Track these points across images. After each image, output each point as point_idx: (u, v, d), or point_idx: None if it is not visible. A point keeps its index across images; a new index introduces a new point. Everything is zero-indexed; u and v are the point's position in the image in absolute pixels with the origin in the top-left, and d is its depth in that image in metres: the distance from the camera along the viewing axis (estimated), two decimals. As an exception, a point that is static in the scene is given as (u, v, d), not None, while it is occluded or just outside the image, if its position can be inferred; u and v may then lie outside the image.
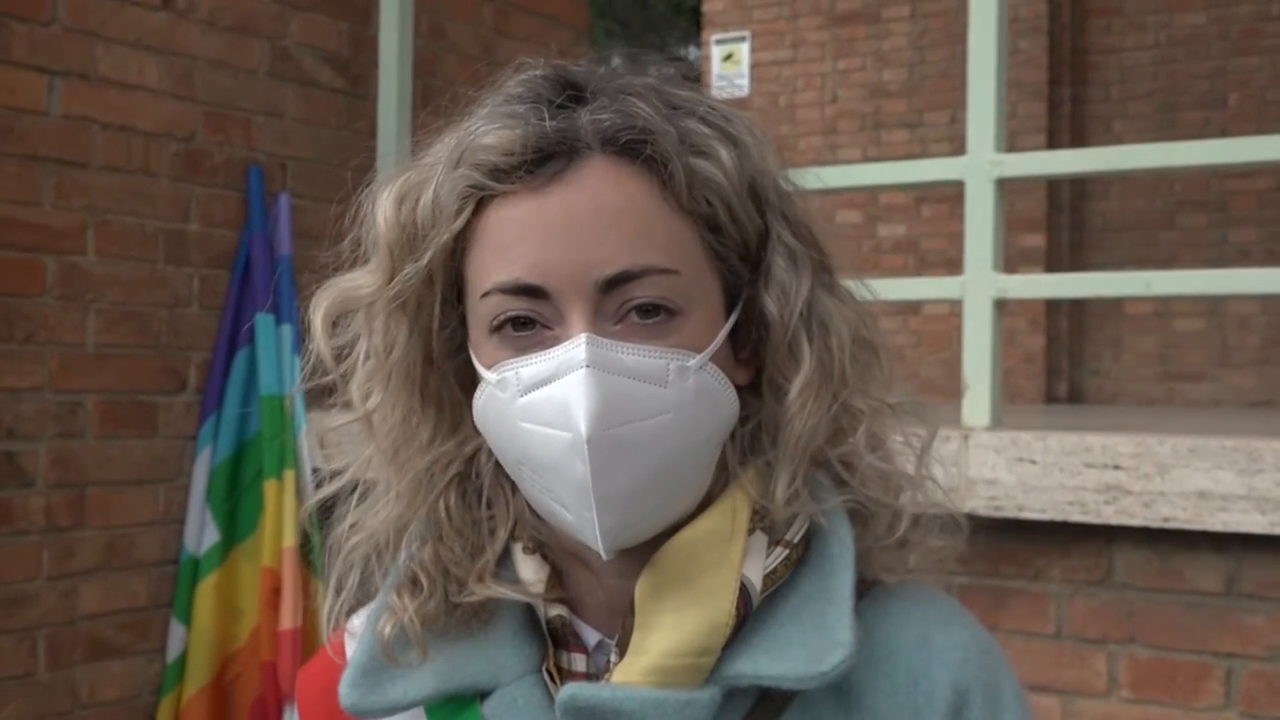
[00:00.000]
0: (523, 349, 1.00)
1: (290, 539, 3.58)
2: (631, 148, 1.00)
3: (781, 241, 1.06)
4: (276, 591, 3.57)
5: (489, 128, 1.02)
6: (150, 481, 3.57)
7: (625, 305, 0.99)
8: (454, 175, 1.02)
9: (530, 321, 1.00)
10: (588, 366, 0.96)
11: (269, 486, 3.62)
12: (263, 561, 3.60)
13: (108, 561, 3.47)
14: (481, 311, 1.02)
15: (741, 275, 1.06)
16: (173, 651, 3.58)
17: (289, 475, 3.62)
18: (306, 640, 3.53)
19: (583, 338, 0.97)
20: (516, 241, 1.00)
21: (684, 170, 1.01)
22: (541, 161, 1.00)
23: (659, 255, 0.99)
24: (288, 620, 3.53)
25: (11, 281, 3.27)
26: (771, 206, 1.06)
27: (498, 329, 1.01)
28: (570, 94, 1.03)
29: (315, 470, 3.60)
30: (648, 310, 0.99)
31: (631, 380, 0.97)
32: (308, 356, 1.11)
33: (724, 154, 1.02)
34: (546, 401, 0.98)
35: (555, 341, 0.99)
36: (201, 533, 3.62)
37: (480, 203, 1.02)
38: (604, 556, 0.99)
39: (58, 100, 3.36)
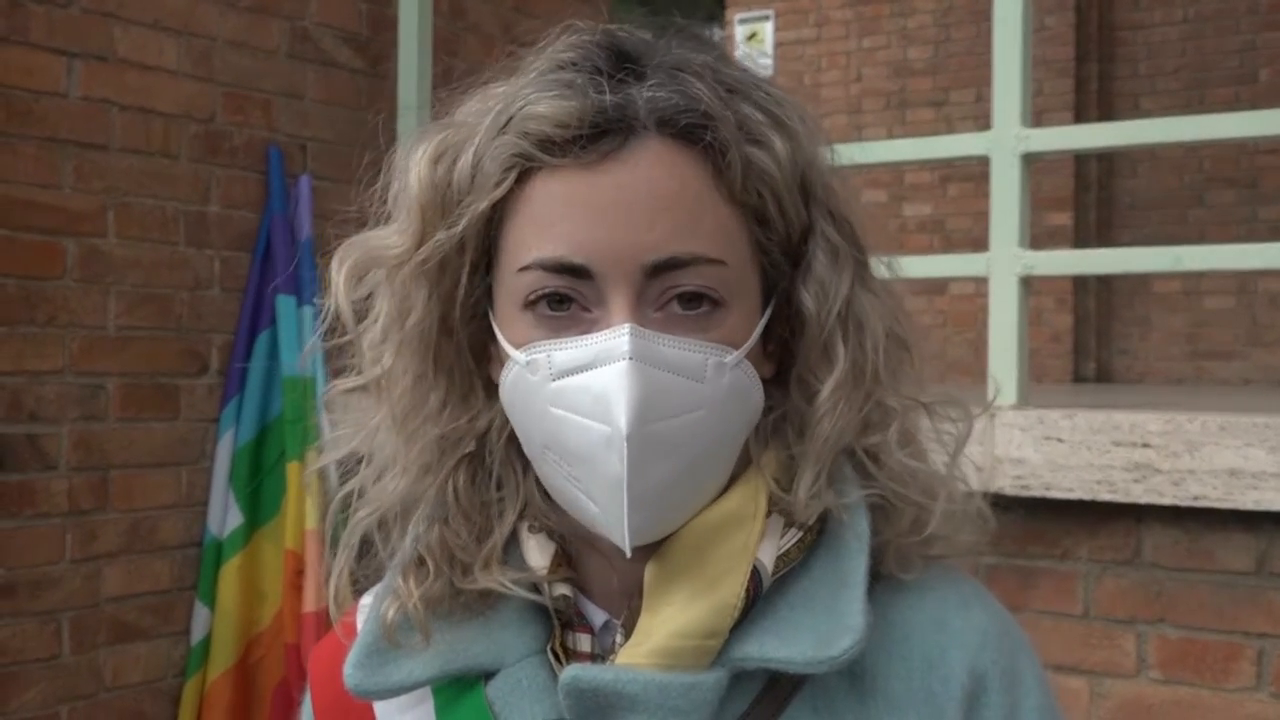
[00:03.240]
0: (557, 330, 0.97)
1: (313, 521, 3.58)
2: (690, 132, 0.97)
3: (825, 237, 1.02)
4: (300, 574, 3.57)
5: (542, 95, 0.97)
6: (173, 464, 3.57)
7: (669, 293, 0.96)
8: (499, 141, 0.98)
9: (567, 300, 0.96)
10: (631, 359, 0.93)
11: (291, 469, 3.62)
12: (286, 544, 3.60)
13: (131, 544, 3.47)
14: (515, 286, 0.98)
15: (781, 269, 1.02)
16: (197, 634, 3.58)
17: (312, 457, 3.62)
18: (330, 623, 3.52)
19: (626, 328, 0.93)
20: (563, 218, 0.96)
21: (741, 160, 0.97)
22: (595, 137, 0.96)
23: (708, 244, 0.96)
24: (311, 603, 3.53)
25: (32, 264, 3.26)
26: (817, 200, 1.02)
27: (532, 305, 0.97)
28: (626, 67, 0.99)
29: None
30: (692, 300, 0.96)
31: (670, 374, 0.94)
32: (325, 314, 1.07)
33: (778, 144, 0.99)
34: (582, 390, 0.94)
35: (593, 325, 0.96)
36: (224, 515, 3.62)
37: (524, 173, 0.98)
38: (628, 554, 0.97)
39: (77, 82, 3.35)
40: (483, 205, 0.98)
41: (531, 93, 0.98)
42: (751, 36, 9.57)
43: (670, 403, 0.94)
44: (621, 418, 0.92)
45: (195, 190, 3.61)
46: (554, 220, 0.96)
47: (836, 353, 1.02)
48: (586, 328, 0.96)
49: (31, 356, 3.26)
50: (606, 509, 0.96)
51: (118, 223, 3.43)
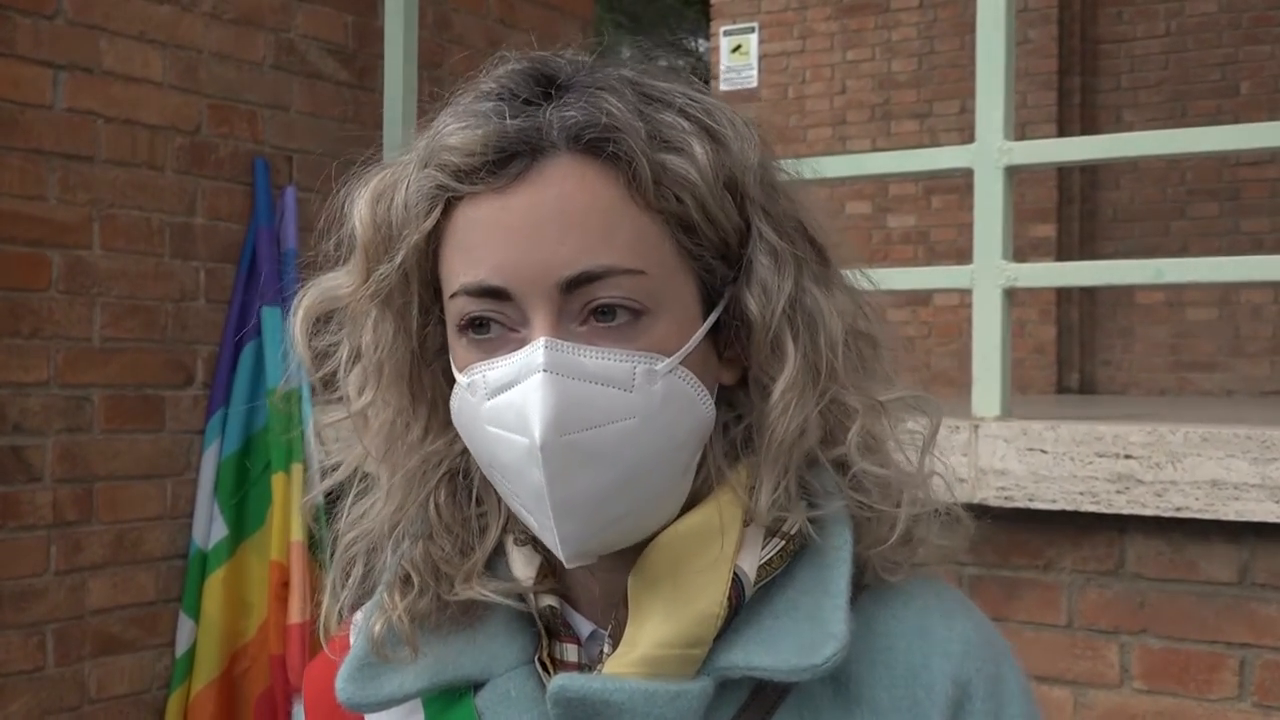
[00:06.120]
0: (491, 351, 0.99)
1: (298, 533, 3.58)
2: (596, 145, 0.98)
3: (763, 238, 1.03)
4: (285, 585, 3.57)
5: (455, 127, 1.00)
6: (158, 476, 3.57)
7: (588, 306, 0.97)
8: (422, 175, 1.00)
9: (489, 323, 0.98)
10: (545, 371, 0.94)
11: (277, 480, 3.62)
12: (271, 555, 3.60)
13: (116, 556, 3.46)
14: (451, 312, 1.01)
15: (722, 274, 1.03)
16: (181, 646, 3.58)
17: (297, 469, 3.62)
18: (315, 634, 3.52)
19: (541, 341, 0.95)
20: (480, 243, 0.98)
21: (651, 167, 0.98)
22: (505, 161, 0.98)
23: (623, 255, 0.97)
24: (296, 614, 3.53)
25: (17, 276, 3.26)
26: (753, 202, 1.03)
27: (463, 330, 1.00)
28: (541, 89, 1.01)
29: (323, 464, 3.61)
30: (610, 311, 0.97)
31: (593, 384, 0.95)
32: (288, 358, 1.10)
33: (698, 149, 0.99)
34: (508, 406, 0.96)
35: (520, 344, 0.97)
36: (209, 527, 3.61)
37: (450, 202, 1.00)
38: (566, 565, 0.98)
39: (62, 94, 3.35)
40: (415, 237, 1.01)
41: (448, 125, 1.01)
42: (736, 49, 9.60)
43: (594, 412, 0.95)
44: (536, 429, 0.94)
45: (181, 202, 3.61)
46: (474, 245, 0.98)
47: (786, 351, 1.02)
48: (515, 346, 0.98)
49: (16, 368, 3.25)
50: (540, 521, 0.98)
51: (103, 234, 3.43)
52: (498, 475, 1.00)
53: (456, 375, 1.01)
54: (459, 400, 1.01)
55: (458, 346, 1.01)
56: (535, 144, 0.98)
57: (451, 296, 1.00)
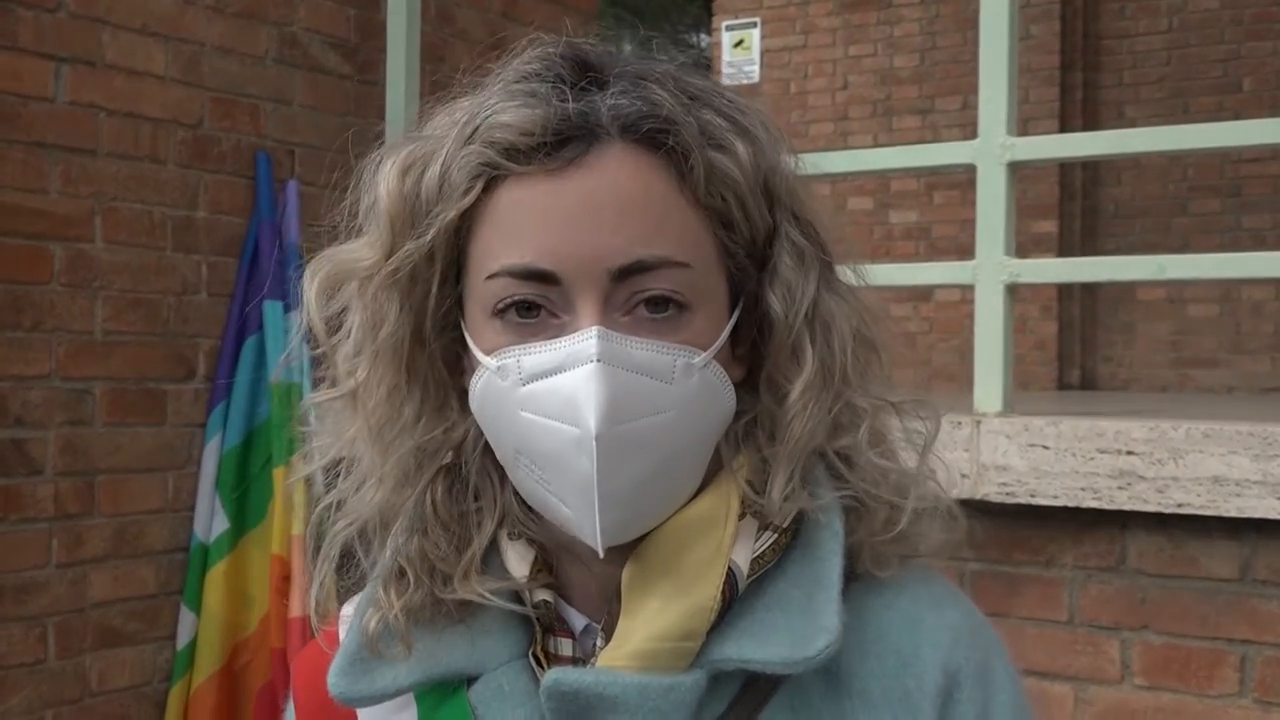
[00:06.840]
0: (526, 335, 0.98)
1: (299, 527, 3.58)
2: (652, 137, 0.98)
3: (790, 240, 1.04)
4: (286, 579, 3.57)
5: (506, 105, 0.99)
6: (159, 469, 3.57)
7: (636, 297, 0.97)
8: (466, 151, 0.99)
9: (536, 306, 0.97)
10: (599, 361, 0.94)
11: (278, 474, 3.62)
12: (272, 549, 3.60)
13: (117, 549, 3.46)
14: (485, 293, 0.99)
15: (748, 272, 1.04)
16: (182, 639, 3.58)
17: (297, 463, 3.61)
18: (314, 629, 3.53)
19: (594, 330, 0.95)
20: (529, 225, 0.97)
21: (704, 164, 0.99)
22: (560, 144, 0.97)
23: (674, 248, 0.97)
24: (297, 608, 3.53)
25: (19, 269, 3.26)
26: (781, 204, 1.04)
27: (501, 313, 0.99)
28: (590, 76, 1.00)
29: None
30: (658, 303, 0.97)
31: (639, 376, 0.96)
32: (300, 329, 1.08)
33: (740, 149, 1.00)
34: (551, 393, 0.95)
35: (561, 330, 0.97)
36: (211, 520, 3.62)
37: (490, 181, 0.99)
38: (600, 554, 0.98)
39: (64, 87, 3.35)
40: (451, 214, 0.99)
41: (497, 103, 0.99)
42: (739, 44, 9.60)
43: (638, 404, 0.95)
44: (591, 419, 0.93)
45: (183, 195, 3.61)
46: (521, 227, 0.97)
47: (805, 354, 1.03)
48: (555, 332, 0.97)
49: (18, 361, 3.25)
50: (578, 510, 0.97)
51: (105, 227, 3.43)
52: (526, 463, 0.99)
53: (482, 359, 1.00)
54: (484, 384, 1.00)
55: (486, 329, 1.00)
56: (591, 130, 0.98)
57: (489, 277, 0.99)
